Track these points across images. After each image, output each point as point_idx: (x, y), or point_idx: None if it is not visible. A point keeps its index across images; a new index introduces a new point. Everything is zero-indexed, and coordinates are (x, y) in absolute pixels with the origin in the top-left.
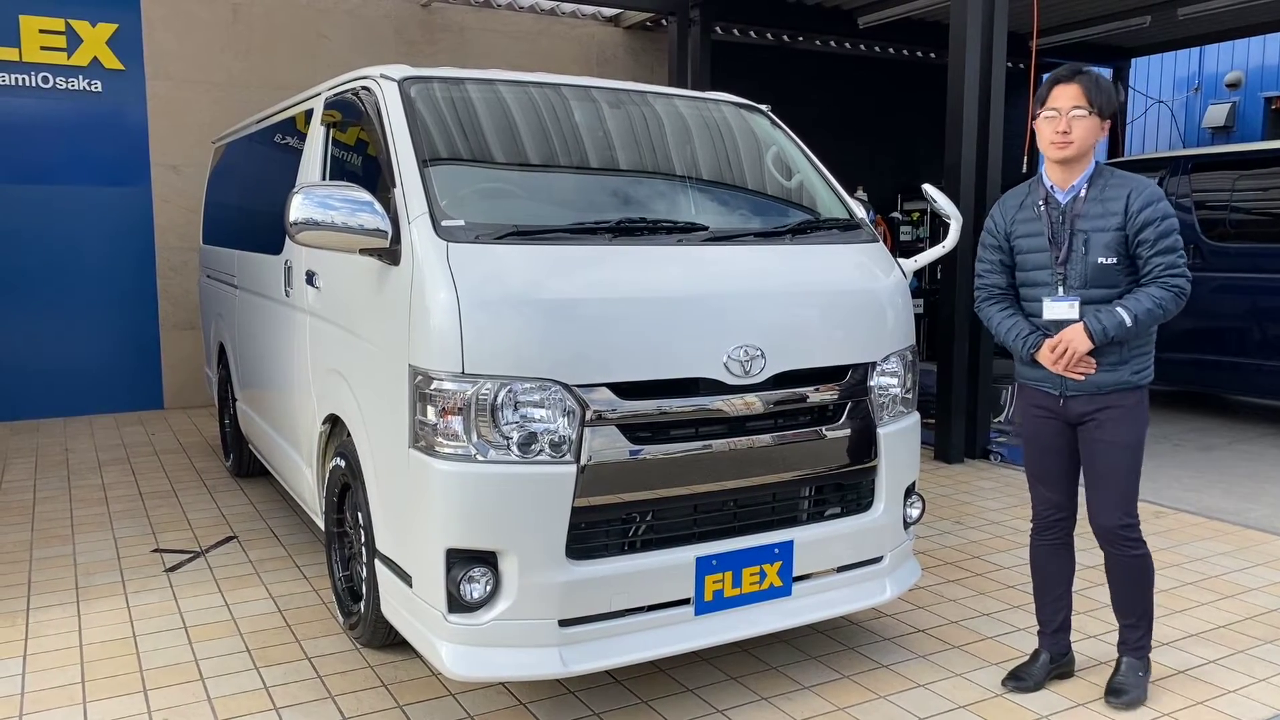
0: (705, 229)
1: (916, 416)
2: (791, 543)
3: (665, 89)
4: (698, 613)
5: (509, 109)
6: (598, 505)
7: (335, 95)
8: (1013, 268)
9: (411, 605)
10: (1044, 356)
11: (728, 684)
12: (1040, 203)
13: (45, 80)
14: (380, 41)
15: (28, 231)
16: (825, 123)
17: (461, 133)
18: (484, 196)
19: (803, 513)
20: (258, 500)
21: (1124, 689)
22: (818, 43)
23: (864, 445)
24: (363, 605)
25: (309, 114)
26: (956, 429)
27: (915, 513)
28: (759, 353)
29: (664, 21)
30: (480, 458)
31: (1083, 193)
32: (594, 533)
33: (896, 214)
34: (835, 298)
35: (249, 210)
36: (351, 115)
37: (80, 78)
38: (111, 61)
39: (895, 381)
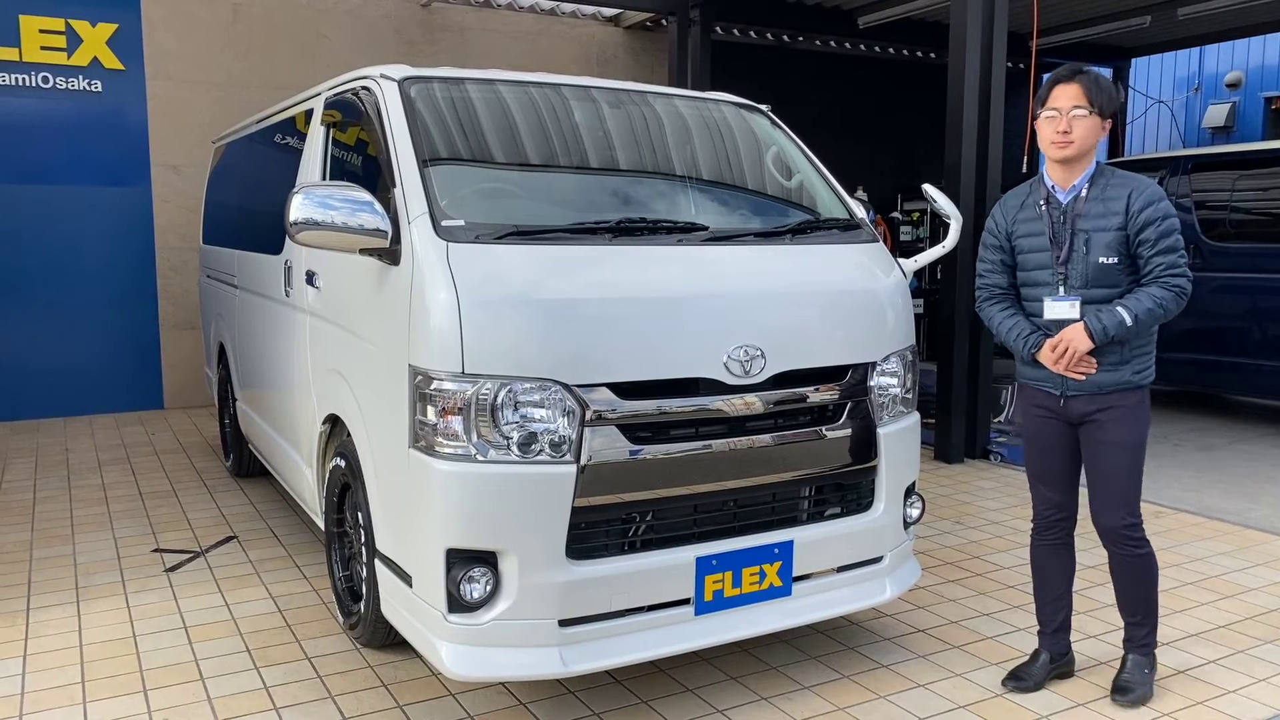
0: (705, 229)
1: (916, 416)
2: (791, 543)
3: (665, 89)
4: (698, 613)
5: (509, 109)
6: (598, 505)
7: (335, 95)
8: (1014, 267)
9: (411, 605)
10: (1045, 356)
11: (728, 684)
12: (1041, 202)
13: (45, 80)
14: (380, 41)
15: (28, 231)
16: (825, 123)
17: (461, 133)
18: (484, 196)
19: (803, 513)
20: (258, 500)
21: (1130, 686)
22: (818, 43)
23: (864, 445)
24: (363, 605)
25: (309, 114)
26: (956, 429)
27: (915, 513)
28: (759, 353)
29: (664, 21)
30: (480, 458)
31: (1084, 192)
32: (594, 533)
33: (896, 214)
34: (835, 298)
35: (249, 210)
36: (351, 115)
37: (80, 78)
38: (111, 61)
39: (895, 381)
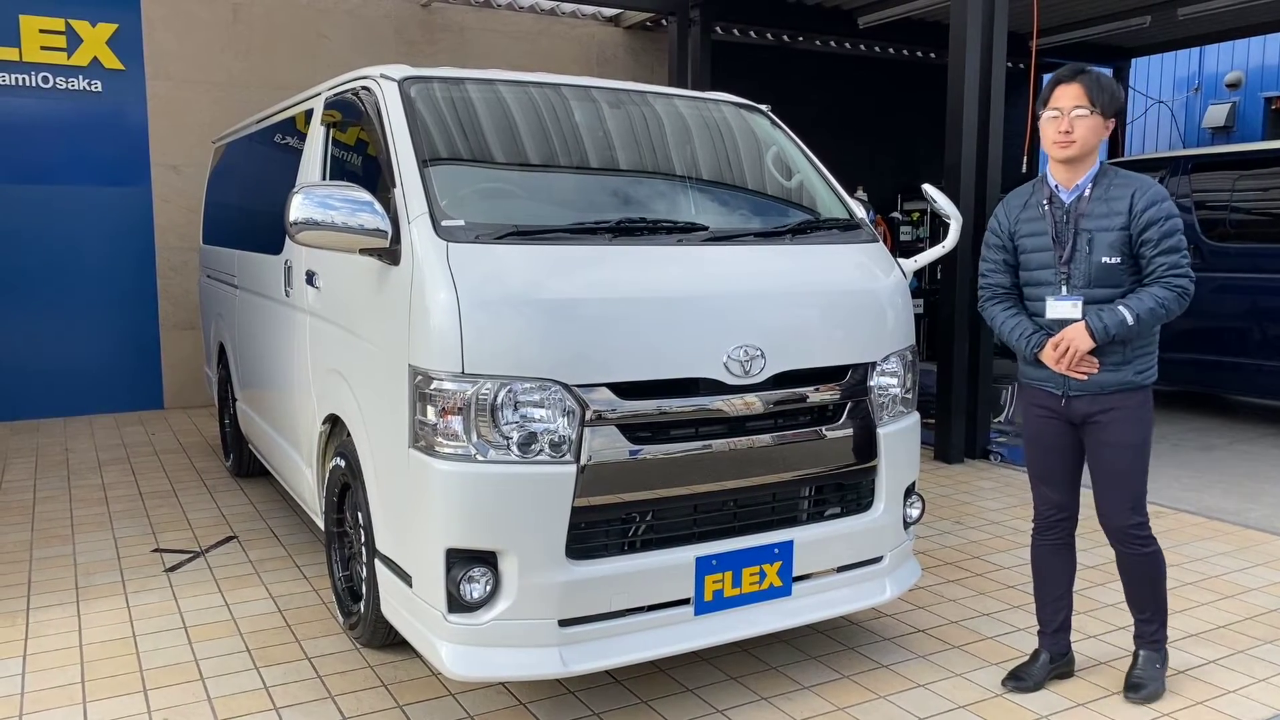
0: (705, 229)
1: (916, 416)
2: (791, 543)
3: (665, 89)
4: (697, 613)
5: (509, 109)
6: (598, 505)
7: (335, 95)
8: (1016, 267)
9: (411, 605)
10: (1047, 356)
11: (728, 684)
12: (1044, 202)
13: (45, 80)
14: (380, 41)
15: (28, 231)
16: (825, 123)
17: (461, 133)
18: (484, 196)
19: (803, 513)
20: (258, 500)
21: (1142, 683)
22: (818, 43)
23: (864, 445)
24: (363, 605)
25: (309, 114)
26: (956, 429)
27: (915, 513)
28: (759, 353)
29: (664, 21)
30: (480, 458)
31: (1087, 192)
32: (594, 533)
33: (896, 214)
34: (835, 298)
35: (249, 210)
36: (351, 115)
37: (80, 78)
38: (111, 61)
39: (895, 381)
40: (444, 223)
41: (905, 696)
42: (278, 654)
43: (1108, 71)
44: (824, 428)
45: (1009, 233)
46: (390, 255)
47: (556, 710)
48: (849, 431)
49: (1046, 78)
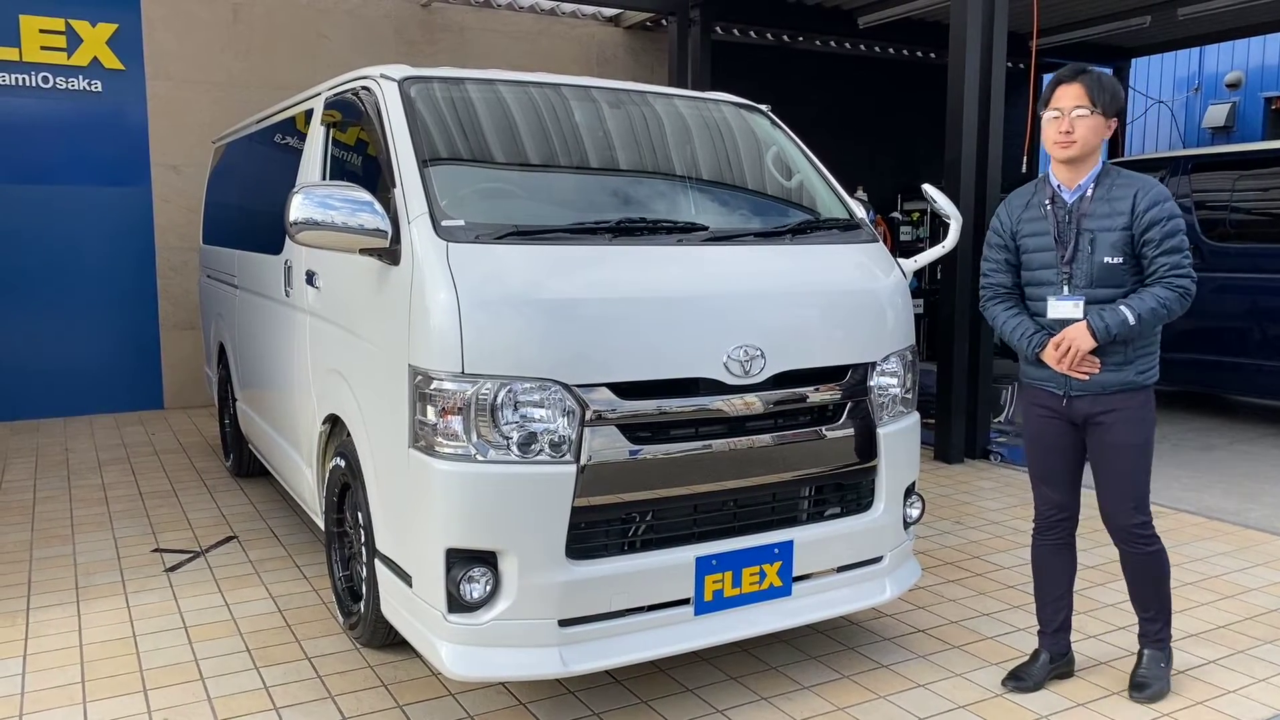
0: (705, 229)
1: (916, 416)
2: (791, 543)
3: (665, 89)
4: (697, 613)
5: (509, 109)
6: (598, 505)
7: (335, 95)
8: (1018, 267)
9: (411, 605)
10: (1048, 355)
11: (728, 684)
12: (1046, 202)
13: (45, 80)
14: (380, 41)
15: (28, 231)
16: (825, 123)
17: (461, 133)
18: (484, 196)
19: (803, 513)
20: (258, 500)
21: (1147, 682)
22: (818, 43)
23: (864, 445)
24: (363, 605)
25: (309, 114)
26: (956, 429)
27: (915, 513)
28: (759, 353)
29: (664, 21)
30: (480, 458)
31: (1089, 192)
32: (594, 533)
33: (896, 214)
34: (835, 298)
35: (249, 210)
36: (351, 115)
37: (80, 78)
38: (111, 61)
39: (895, 381)
40: (444, 223)
41: (905, 696)
42: (278, 654)
43: (1108, 71)
44: (824, 428)
45: (1011, 232)
46: (390, 255)
47: (556, 710)
48: (849, 431)
49: (1047, 78)
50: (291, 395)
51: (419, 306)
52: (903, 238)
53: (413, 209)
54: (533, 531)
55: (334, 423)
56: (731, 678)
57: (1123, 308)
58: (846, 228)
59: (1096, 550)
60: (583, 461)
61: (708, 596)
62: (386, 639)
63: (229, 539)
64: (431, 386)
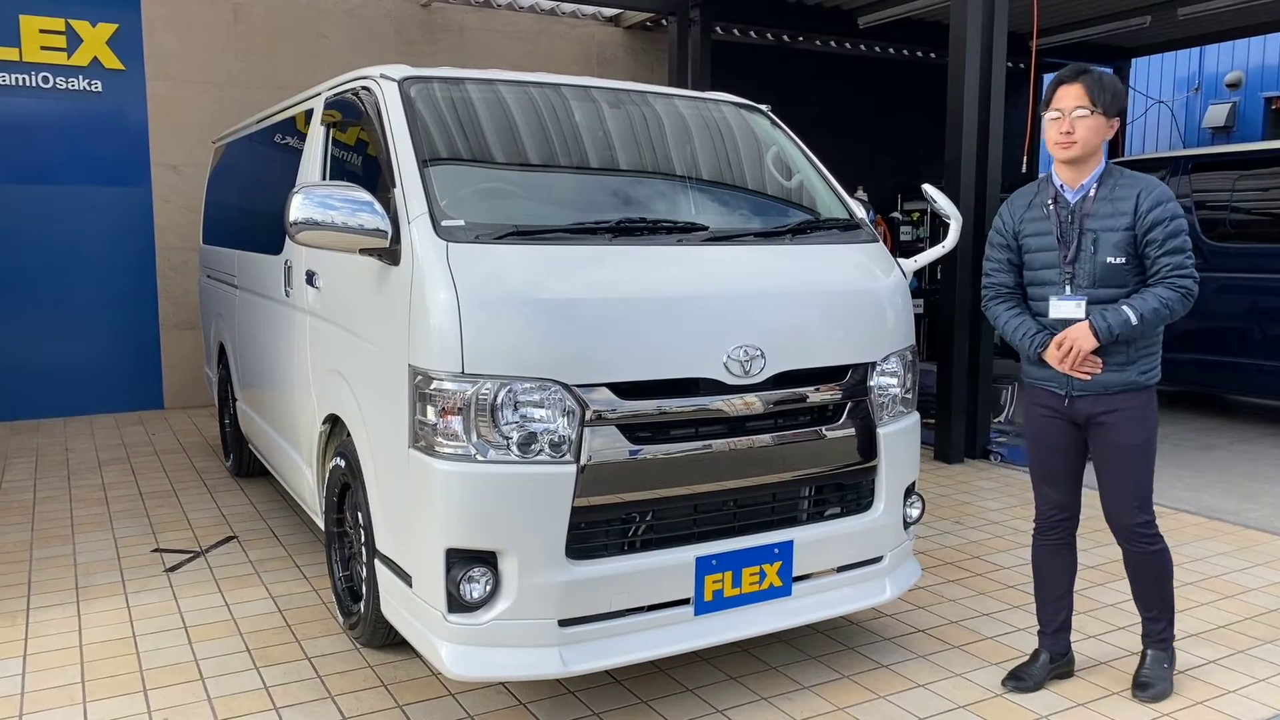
0: (705, 229)
1: (916, 416)
2: (791, 543)
3: (665, 89)
4: (697, 613)
5: (509, 109)
6: (597, 505)
7: (335, 95)
8: (1020, 267)
9: (411, 605)
10: (1050, 355)
11: (728, 684)
12: (1049, 202)
13: (45, 80)
14: (380, 41)
15: (28, 231)
16: (825, 123)
17: (461, 133)
18: (484, 196)
19: (802, 513)
20: (258, 500)
21: (1150, 682)
22: (818, 43)
23: (864, 445)
24: (363, 605)
25: (309, 114)
26: (956, 429)
27: (915, 513)
28: (759, 353)
29: (664, 21)
30: (480, 458)
31: (1092, 192)
32: (594, 533)
33: (896, 214)
34: (835, 298)
35: (249, 210)
36: (351, 115)
37: (80, 78)
38: (112, 61)
39: (895, 381)
40: (444, 223)
41: (905, 696)
42: (278, 654)
43: (1110, 71)
44: (824, 428)
45: (1013, 232)
46: (390, 255)
47: (556, 710)
48: (849, 431)
49: (1047, 78)
50: (291, 395)
51: (419, 306)
52: (903, 238)
53: (413, 209)
54: (533, 531)
55: (334, 423)
56: (731, 678)
57: (1125, 308)
58: (846, 228)
59: (1096, 550)
60: (583, 461)
61: (708, 596)
62: (386, 639)
63: (229, 539)
64: (431, 386)
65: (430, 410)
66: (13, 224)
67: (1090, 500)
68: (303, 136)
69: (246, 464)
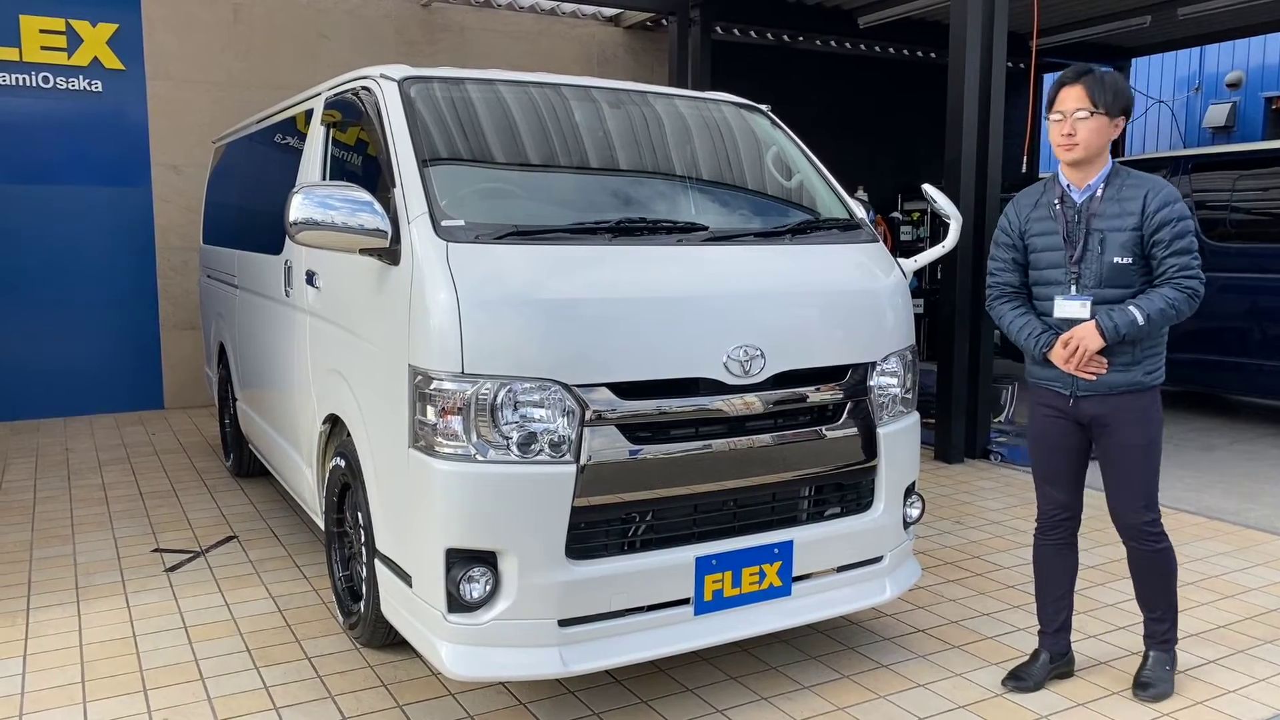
0: (705, 229)
1: (916, 416)
2: (791, 543)
3: (665, 89)
4: (697, 613)
5: (509, 109)
6: (597, 505)
7: (335, 95)
8: (1026, 266)
9: (411, 605)
10: (1056, 355)
11: (728, 684)
12: (1055, 201)
13: (45, 80)
14: (380, 41)
15: (28, 231)
16: (825, 123)
17: (461, 133)
18: (484, 196)
19: (802, 513)
20: (258, 500)
21: (1151, 682)
22: (818, 43)
23: (864, 445)
24: (363, 605)
25: (309, 114)
26: (956, 429)
27: (915, 513)
28: (759, 353)
29: (664, 21)
30: (480, 458)
31: (1099, 192)
32: (594, 533)
33: (896, 214)
34: (835, 298)
35: (249, 210)
36: (351, 115)
37: (80, 78)
38: (112, 61)
39: (895, 381)
40: (444, 223)
41: (905, 696)
42: (278, 654)
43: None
44: (824, 428)
45: (1019, 232)
46: (390, 255)
47: (556, 710)
48: (849, 431)
49: (1047, 77)
50: (291, 395)
51: (419, 306)
52: (903, 238)
53: (412, 209)
54: (532, 531)
55: (334, 423)
56: (731, 678)
57: (1131, 308)
58: (846, 228)
59: (1096, 550)
60: (582, 461)
61: (707, 596)
62: (386, 639)
63: (229, 539)
64: (431, 386)
65: (430, 410)
66: (13, 224)
67: (1091, 500)
68: (303, 136)
69: (246, 464)
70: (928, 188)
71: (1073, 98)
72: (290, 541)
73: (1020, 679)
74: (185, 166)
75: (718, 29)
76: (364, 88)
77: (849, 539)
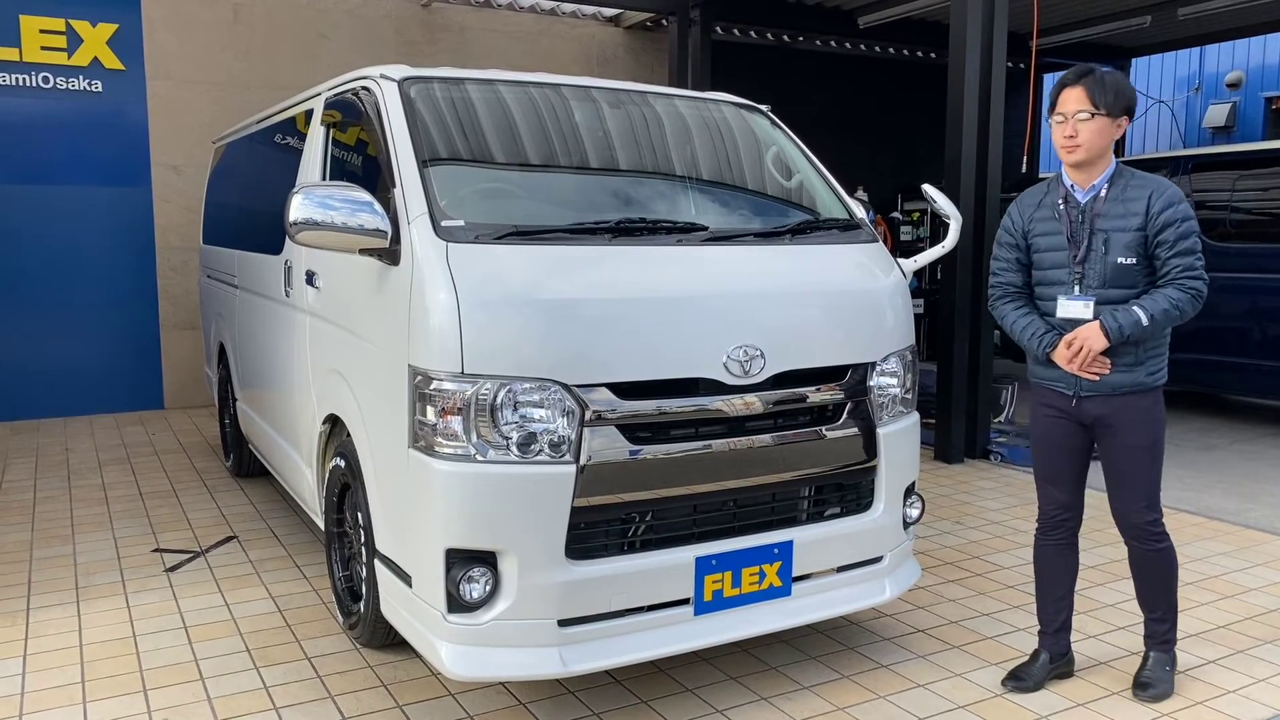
0: (705, 229)
1: (916, 416)
2: (791, 543)
3: (665, 89)
4: (697, 613)
5: (509, 109)
6: (597, 505)
7: (335, 95)
8: (1029, 266)
9: (411, 605)
10: (1060, 355)
11: (728, 684)
12: (1059, 201)
13: (45, 80)
14: (380, 41)
15: (28, 231)
16: (825, 123)
17: (461, 133)
18: (484, 196)
19: (802, 513)
20: (258, 500)
21: (1151, 683)
22: (818, 43)
23: (864, 445)
24: (362, 605)
25: (309, 114)
26: (956, 429)
27: (915, 513)
28: (758, 353)
29: (664, 21)
30: (480, 458)
31: (1103, 193)
32: (593, 533)
33: (896, 214)
34: (835, 298)
35: (249, 210)
36: (351, 115)
37: (80, 78)
38: (112, 61)
39: (895, 381)
40: (444, 223)
41: (905, 696)
42: (278, 654)
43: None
44: (824, 428)
45: (1022, 231)
46: (390, 255)
47: (556, 710)
48: (849, 431)
49: (1047, 77)
50: (291, 395)
51: (419, 306)
52: (903, 238)
53: (412, 209)
54: (532, 531)
55: (334, 423)
56: (731, 678)
57: (1136, 308)
58: (846, 228)
59: (1096, 550)
60: (582, 461)
61: (707, 596)
62: (386, 639)
63: (229, 539)
64: (431, 386)
65: (430, 410)
66: (13, 224)
67: (1091, 500)
68: (303, 137)
69: (246, 464)
70: (927, 188)
71: (1074, 99)
72: (290, 541)
73: (1020, 679)
74: (185, 166)
75: (718, 29)
76: (364, 88)
77: (849, 539)
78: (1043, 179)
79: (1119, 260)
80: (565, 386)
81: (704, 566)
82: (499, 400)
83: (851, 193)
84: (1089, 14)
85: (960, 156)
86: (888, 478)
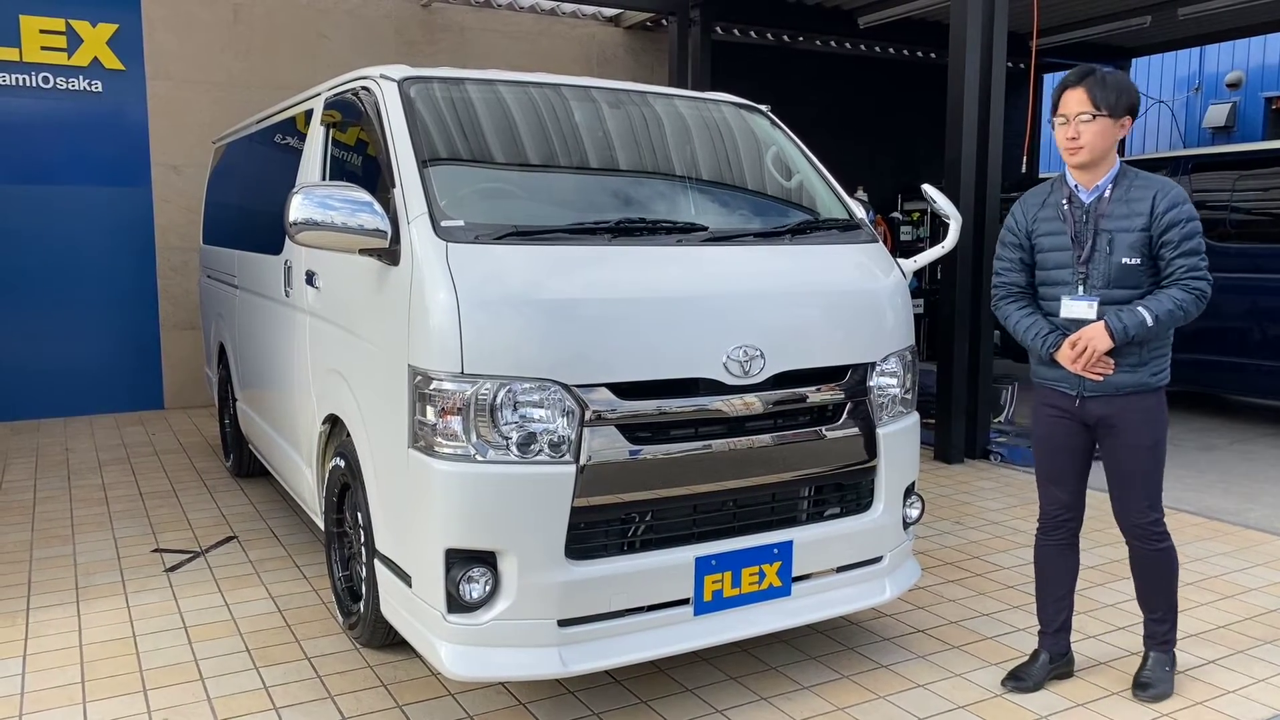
0: (705, 229)
1: (916, 416)
2: (791, 543)
3: (665, 89)
4: (697, 613)
5: (509, 109)
6: (597, 505)
7: (335, 95)
8: (1032, 266)
9: (411, 605)
10: (1063, 355)
11: (728, 684)
12: (1063, 202)
13: (45, 80)
14: (380, 41)
15: (28, 231)
16: (825, 123)
17: (461, 133)
18: (483, 196)
19: (802, 513)
20: (258, 500)
21: (1151, 683)
22: (818, 43)
23: (863, 445)
24: (362, 605)
25: (309, 114)
26: (956, 429)
27: (915, 513)
28: (758, 353)
29: (664, 21)
30: (479, 458)
31: (1107, 193)
32: (593, 533)
33: (896, 214)
34: (835, 298)
35: (249, 210)
36: (351, 115)
37: (80, 78)
38: (112, 61)
39: (895, 382)
40: (443, 223)
41: (905, 696)
42: (278, 654)
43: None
44: (824, 428)
45: (1026, 231)
46: (390, 255)
47: (556, 710)
48: (848, 431)
49: (1047, 77)
50: (291, 395)
51: (419, 306)
52: (903, 238)
53: (412, 209)
54: (532, 531)
55: (334, 423)
56: (731, 678)
57: (1140, 309)
58: (846, 228)
59: (1096, 550)
60: (582, 461)
61: (707, 596)
62: (386, 639)
63: (229, 539)
64: (431, 387)
65: (430, 410)
66: (13, 224)
67: (1091, 500)
68: (302, 137)
69: (246, 464)
70: (927, 188)
71: (1075, 101)
72: (290, 541)
73: (1020, 679)
74: (185, 166)
75: (718, 29)
76: (364, 88)
77: (849, 539)
78: (1044, 179)
79: (1123, 261)
80: (565, 386)
81: (704, 566)
82: (499, 400)
83: (851, 193)
84: (1089, 14)
85: (960, 156)
86: (887, 478)
